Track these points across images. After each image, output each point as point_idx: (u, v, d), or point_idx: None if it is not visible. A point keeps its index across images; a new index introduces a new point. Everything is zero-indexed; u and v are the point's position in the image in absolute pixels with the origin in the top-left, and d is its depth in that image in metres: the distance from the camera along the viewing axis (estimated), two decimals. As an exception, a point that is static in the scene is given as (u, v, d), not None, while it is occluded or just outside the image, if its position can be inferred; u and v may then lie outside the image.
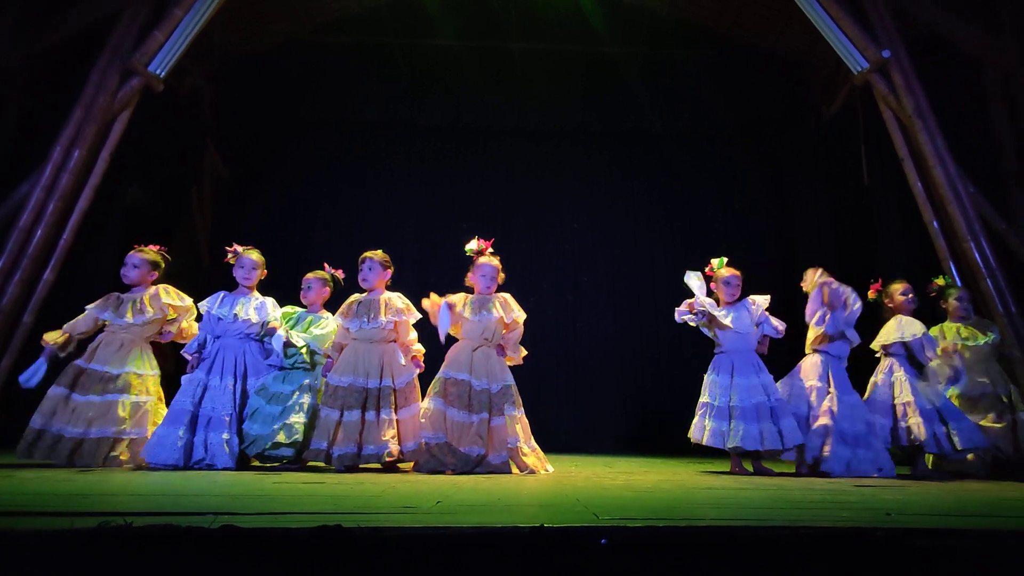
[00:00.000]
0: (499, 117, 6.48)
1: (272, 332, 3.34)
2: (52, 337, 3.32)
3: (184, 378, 3.31)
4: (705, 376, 3.57)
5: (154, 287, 3.47)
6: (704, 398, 3.49)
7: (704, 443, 3.38)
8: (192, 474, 2.80)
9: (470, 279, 3.46)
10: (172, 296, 3.46)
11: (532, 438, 3.29)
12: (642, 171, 6.63)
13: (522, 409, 3.30)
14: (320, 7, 6.32)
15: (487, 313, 3.29)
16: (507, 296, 3.43)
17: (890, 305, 3.74)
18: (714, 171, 6.61)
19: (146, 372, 3.35)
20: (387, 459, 3.07)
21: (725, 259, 3.66)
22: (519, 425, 3.23)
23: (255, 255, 3.55)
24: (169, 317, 3.45)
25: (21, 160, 4.53)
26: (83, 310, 3.40)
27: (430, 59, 6.44)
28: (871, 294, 3.79)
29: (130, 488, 2.12)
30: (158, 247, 3.59)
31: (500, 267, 3.46)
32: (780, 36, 6.33)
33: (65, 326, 3.36)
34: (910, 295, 3.67)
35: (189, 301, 3.51)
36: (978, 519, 1.67)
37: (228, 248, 3.57)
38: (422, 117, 6.52)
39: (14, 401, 4.36)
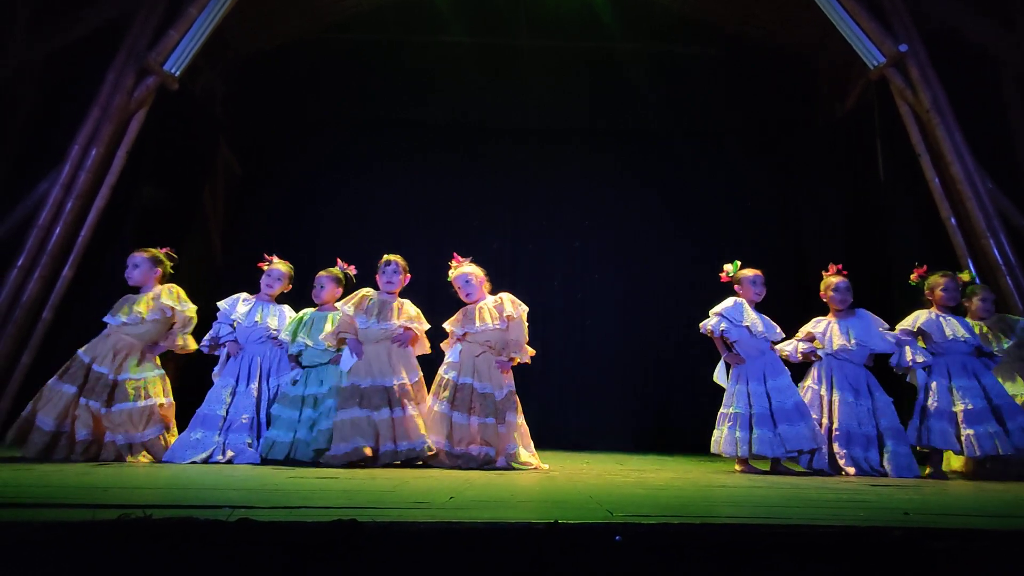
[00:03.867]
0: (508, 115, 6.47)
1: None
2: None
3: (215, 385, 3.34)
4: (729, 386, 3.45)
5: (159, 287, 3.36)
6: (733, 408, 3.36)
7: (754, 452, 3.25)
8: (210, 468, 2.84)
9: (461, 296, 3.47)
10: (174, 298, 3.34)
11: (531, 443, 3.32)
12: (652, 169, 6.58)
13: (522, 415, 3.32)
14: (329, 7, 6.34)
15: (475, 324, 3.29)
16: (503, 297, 3.40)
17: (928, 297, 3.66)
18: (724, 169, 6.55)
19: (145, 376, 3.23)
20: (428, 453, 3.09)
21: (739, 262, 3.61)
22: (518, 432, 3.26)
23: (284, 267, 3.57)
24: (169, 320, 3.34)
25: (40, 159, 4.59)
26: (115, 294, 3.40)
27: (439, 57, 6.44)
28: (913, 278, 3.71)
29: (150, 481, 2.16)
30: (165, 249, 3.50)
31: (472, 270, 3.43)
32: (791, 32, 6.25)
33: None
34: (950, 291, 3.57)
35: (191, 308, 3.39)
36: (997, 519, 1.65)
37: (266, 256, 3.63)
38: (432, 115, 6.53)
39: (34, 397, 4.45)
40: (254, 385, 3.31)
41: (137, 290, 3.43)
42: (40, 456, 2.99)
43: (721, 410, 3.45)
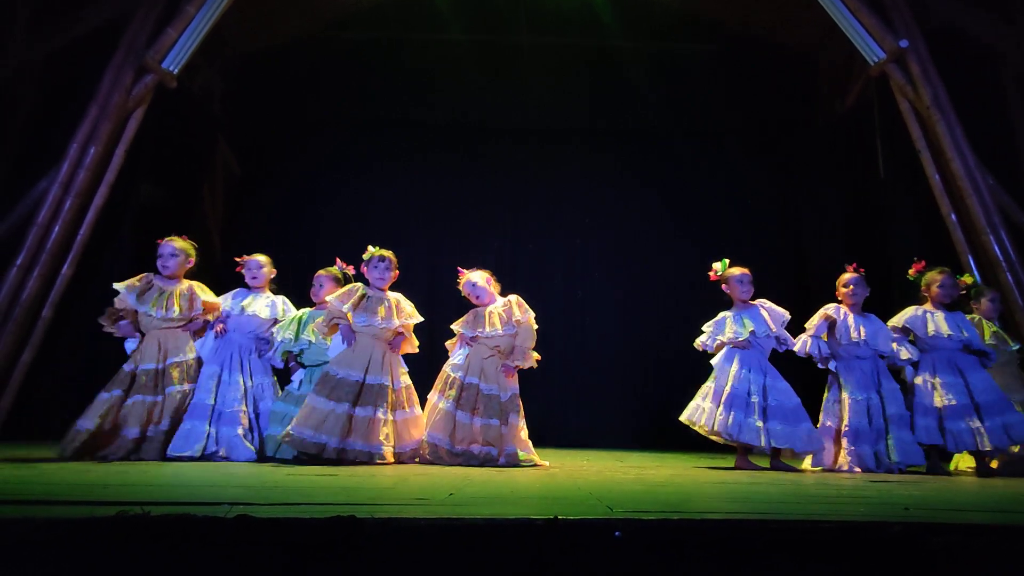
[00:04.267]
0: (508, 115, 6.47)
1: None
2: (110, 317, 3.27)
3: (201, 375, 3.34)
4: (729, 367, 3.40)
5: (188, 283, 3.40)
6: (736, 389, 3.33)
7: (744, 439, 3.24)
8: (209, 465, 2.84)
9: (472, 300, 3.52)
10: (209, 294, 3.42)
11: (530, 445, 3.34)
12: (652, 169, 6.58)
13: (523, 418, 3.35)
14: (328, 4, 6.33)
15: (485, 329, 3.32)
16: (511, 300, 3.44)
17: (924, 293, 3.65)
18: (724, 169, 6.55)
19: (188, 358, 3.29)
20: (378, 461, 3.02)
21: (727, 260, 3.61)
22: (522, 433, 3.30)
23: (260, 256, 3.59)
24: (202, 316, 3.40)
25: (39, 157, 4.59)
26: (115, 291, 3.31)
27: (439, 56, 6.43)
28: (912, 272, 3.70)
29: (149, 479, 2.15)
30: (184, 237, 3.49)
31: (477, 277, 3.47)
32: (791, 31, 6.25)
33: (116, 301, 3.29)
34: (947, 288, 3.55)
35: (220, 301, 3.48)
36: (998, 514, 1.65)
37: (236, 259, 3.61)
38: (432, 115, 6.52)
39: (34, 395, 4.46)
40: (238, 376, 3.33)
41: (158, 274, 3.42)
42: (77, 454, 2.95)
43: (722, 389, 3.36)
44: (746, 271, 3.56)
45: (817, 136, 6.35)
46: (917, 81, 4.59)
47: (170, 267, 3.34)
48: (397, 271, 3.44)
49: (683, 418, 3.46)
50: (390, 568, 1.18)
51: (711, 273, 3.62)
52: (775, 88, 6.48)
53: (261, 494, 1.74)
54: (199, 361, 3.36)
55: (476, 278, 3.47)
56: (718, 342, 3.49)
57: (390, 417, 3.15)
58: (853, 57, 5.09)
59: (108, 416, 3.04)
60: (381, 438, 3.06)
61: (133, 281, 3.29)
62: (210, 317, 3.45)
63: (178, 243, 3.40)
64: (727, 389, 3.34)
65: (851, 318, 3.53)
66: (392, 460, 3.11)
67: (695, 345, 3.61)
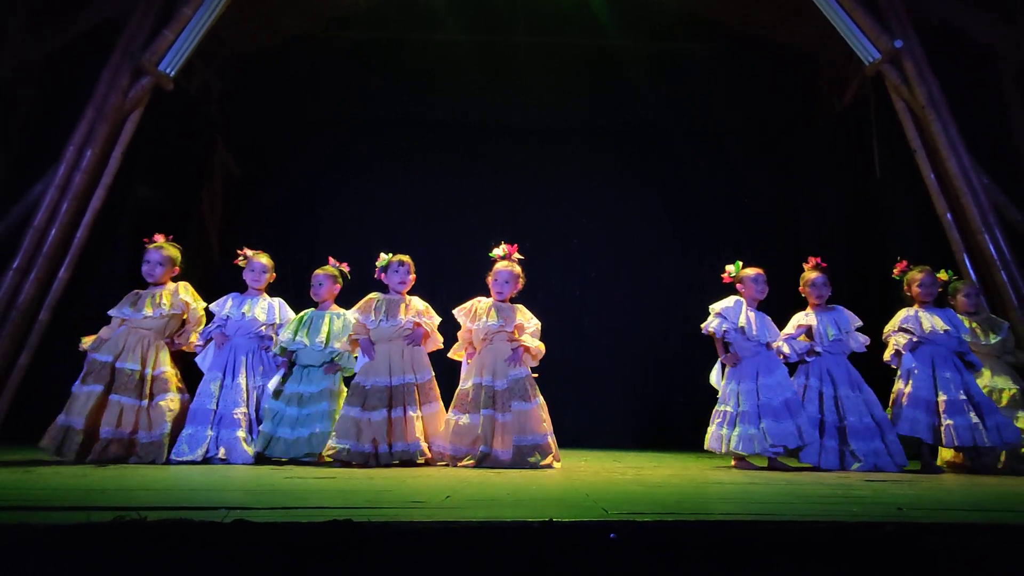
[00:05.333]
0: (508, 115, 6.45)
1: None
2: (89, 342, 3.30)
3: (204, 379, 3.36)
4: (724, 385, 3.48)
5: (173, 284, 3.45)
6: (724, 406, 3.40)
7: (756, 451, 3.27)
8: (207, 469, 2.85)
9: (489, 281, 3.50)
10: (190, 294, 3.44)
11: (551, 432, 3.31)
12: (652, 169, 6.57)
13: (537, 400, 3.30)
14: (328, 4, 6.32)
15: (492, 321, 3.33)
16: (519, 308, 3.46)
17: (907, 292, 3.69)
18: (724, 169, 6.54)
19: (169, 369, 3.35)
20: (420, 459, 3.13)
21: (740, 262, 3.63)
22: (534, 418, 3.22)
23: (265, 259, 3.60)
24: (183, 316, 3.43)
25: (35, 160, 4.58)
26: (107, 317, 3.35)
27: (439, 56, 6.42)
28: (895, 272, 3.76)
29: (146, 483, 2.16)
30: (166, 237, 3.51)
31: (519, 272, 3.48)
32: (791, 31, 6.25)
33: (101, 332, 3.32)
34: (927, 286, 3.59)
35: (202, 305, 3.47)
36: (991, 513, 1.65)
37: (239, 251, 3.63)
38: (431, 114, 6.51)
39: (32, 397, 4.45)
40: (241, 379, 3.35)
41: (145, 285, 3.45)
42: (77, 457, 2.97)
43: (715, 407, 3.49)
44: (760, 271, 3.58)
45: (817, 136, 6.35)
46: (912, 81, 4.60)
47: (155, 275, 3.41)
48: (415, 275, 3.47)
49: (707, 447, 3.47)
50: (388, 571, 1.19)
51: (724, 275, 3.63)
52: (775, 88, 6.47)
53: (258, 498, 1.75)
54: (179, 377, 3.39)
55: (514, 277, 3.43)
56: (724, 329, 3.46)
57: (420, 413, 3.24)
58: (853, 57, 5.09)
59: (91, 414, 3.04)
60: (418, 435, 3.15)
61: (120, 303, 3.35)
62: (193, 338, 3.44)
63: (165, 251, 3.43)
64: (728, 409, 3.39)
65: (822, 319, 3.56)
66: (429, 455, 3.20)
67: (705, 327, 3.55)
